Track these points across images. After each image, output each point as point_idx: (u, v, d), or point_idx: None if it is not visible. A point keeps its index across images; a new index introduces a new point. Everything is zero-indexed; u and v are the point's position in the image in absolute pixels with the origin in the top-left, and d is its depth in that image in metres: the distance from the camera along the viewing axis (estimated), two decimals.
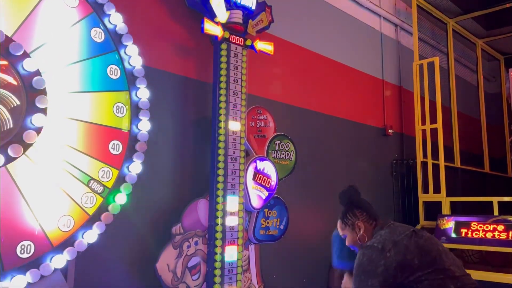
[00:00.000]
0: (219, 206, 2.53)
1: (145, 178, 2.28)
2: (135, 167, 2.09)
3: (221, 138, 2.59)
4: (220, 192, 2.55)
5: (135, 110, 2.16)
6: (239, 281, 2.56)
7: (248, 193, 2.73)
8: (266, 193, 2.83)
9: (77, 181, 1.94)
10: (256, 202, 2.77)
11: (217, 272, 2.47)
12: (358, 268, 1.69)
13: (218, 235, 2.51)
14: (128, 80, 2.17)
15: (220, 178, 2.56)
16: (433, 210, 3.87)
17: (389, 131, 4.21)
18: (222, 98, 2.62)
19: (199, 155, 2.69)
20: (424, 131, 4.11)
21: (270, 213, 2.89)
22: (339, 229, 1.96)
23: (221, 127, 2.60)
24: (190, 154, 2.66)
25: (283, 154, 3.02)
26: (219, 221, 2.52)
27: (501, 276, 3.08)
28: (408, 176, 4.22)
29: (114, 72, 2.13)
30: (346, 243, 1.93)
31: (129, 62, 2.16)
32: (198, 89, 2.74)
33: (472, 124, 5.34)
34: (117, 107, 2.11)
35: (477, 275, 3.06)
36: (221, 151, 2.58)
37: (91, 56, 2.06)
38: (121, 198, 2.03)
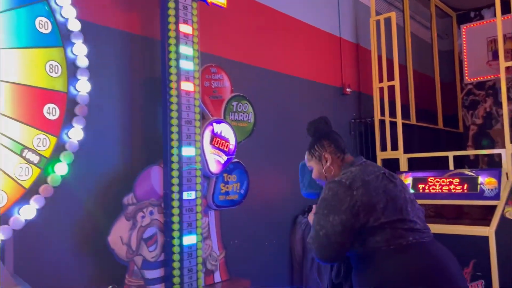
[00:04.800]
0: (174, 173, 2.37)
1: (90, 145, 2.07)
2: (76, 134, 1.87)
3: (173, 100, 2.39)
4: (174, 158, 2.37)
5: (72, 69, 1.91)
6: (200, 249, 2.44)
7: (205, 158, 2.58)
8: (225, 158, 2.69)
9: (7, 150, 1.70)
10: (214, 167, 2.63)
11: (175, 241, 2.33)
12: (322, 202, 1.63)
13: (175, 204, 2.35)
14: (62, 35, 1.90)
15: (174, 143, 2.38)
16: (391, 167, 3.90)
17: (347, 90, 4.14)
18: (172, 56, 2.40)
19: (150, 119, 2.49)
20: (381, 89, 4.09)
21: (229, 177, 2.76)
22: (306, 160, 1.91)
23: (172, 88, 2.39)
24: (140, 118, 2.45)
25: (241, 116, 2.87)
26: (174, 188, 2.36)
27: (455, 228, 3.15)
28: (366, 134, 4.21)
29: (44, 25, 1.85)
30: (313, 176, 1.87)
31: (61, 14, 1.89)
32: (145, 47, 2.50)
33: (426, 81, 5.40)
34: (51, 66, 1.85)
35: (433, 228, 3.12)
36: (174, 114, 2.38)
37: (14, 6, 1.77)
38: (61, 168, 1.81)
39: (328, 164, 1.79)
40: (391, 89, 4.03)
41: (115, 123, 2.33)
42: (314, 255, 1.63)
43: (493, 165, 5.15)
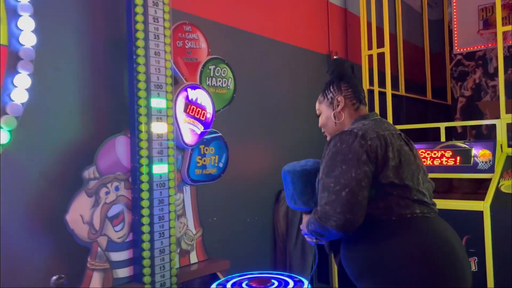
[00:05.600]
0: (143, 144, 2.10)
1: (41, 111, 1.78)
2: (19, 95, 1.58)
3: (140, 60, 2.10)
4: (143, 127, 2.10)
5: (13, 16, 1.60)
6: (173, 228, 2.21)
7: (179, 128, 2.31)
8: (201, 127, 2.43)
9: None
10: (189, 138, 2.37)
11: (145, 220, 2.09)
12: (335, 157, 1.39)
13: (144, 178, 2.10)
14: None
15: (142, 110, 2.10)
16: None
17: (334, 57, 3.88)
18: (139, 10, 2.09)
19: (116, 83, 2.19)
20: (370, 57, 3.84)
21: (206, 150, 2.51)
22: (317, 103, 1.68)
23: (139, 47, 2.09)
24: (105, 82, 2.15)
25: (219, 81, 2.59)
26: (143, 161, 2.10)
27: (447, 203, 2.99)
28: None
29: None
30: (319, 124, 1.67)
31: None
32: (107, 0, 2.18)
33: (415, 52, 5.17)
34: None
35: None
36: (141, 77, 2.09)
37: None
38: (1, 136, 1.52)
39: (339, 108, 1.58)
40: (380, 58, 3.79)
41: (74, 86, 2.03)
42: (334, 227, 1.33)
43: (481, 138, 5.02)
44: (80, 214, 1.93)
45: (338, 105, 1.59)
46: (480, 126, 5.26)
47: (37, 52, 1.70)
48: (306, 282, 1.81)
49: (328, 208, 1.34)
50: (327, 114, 1.63)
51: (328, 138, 1.63)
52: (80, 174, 1.95)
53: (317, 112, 1.70)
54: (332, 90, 1.61)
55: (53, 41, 1.88)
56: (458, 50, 5.52)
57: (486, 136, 5.20)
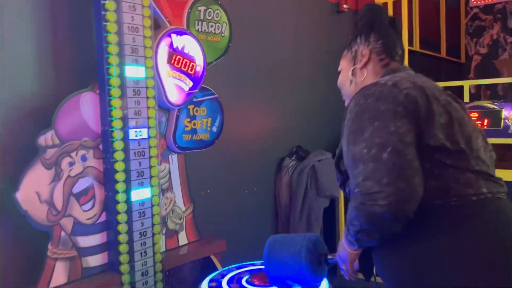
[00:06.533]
0: (116, 102, 1.66)
1: None
2: None
3: None
4: (115, 81, 1.66)
5: None
6: (156, 205, 1.81)
7: (161, 83, 1.87)
8: (190, 83, 1.99)
9: None
10: (175, 96, 1.94)
11: (121, 197, 1.68)
12: (361, 117, 1.00)
13: (118, 145, 1.68)
14: None
15: (114, 59, 1.65)
16: None
17: (344, 6, 3.39)
18: None
19: (81, 27, 1.72)
20: (385, 5, 3.36)
21: (197, 111, 2.08)
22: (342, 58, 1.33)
23: None
24: (66, 25, 1.68)
25: (211, 26, 2.13)
26: (117, 124, 1.67)
27: None
28: None
29: None
30: (338, 82, 1.31)
31: None
32: None
33: (431, 6, 4.66)
34: None
35: None
36: (111, 16, 1.63)
37: None
38: None
39: (362, 63, 1.22)
40: (395, 7, 3.32)
41: (28, 31, 1.57)
42: (385, 208, 0.90)
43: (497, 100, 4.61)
44: (35, 191, 1.52)
45: (361, 60, 1.23)
46: (496, 86, 4.84)
47: None
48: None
49: (370, 183, 0.92)
50: (349, 67, 1.26)
51: (346, 103, 1.24)
52: (34, 141, 1.52)
53: (339, 68, 1.33)
54: (358, 41, 1.26)
55: None
56: (474, 2, 5.01)
57: (503, 97, 4.79)
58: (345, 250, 1.13)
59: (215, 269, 1.96)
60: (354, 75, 1.23)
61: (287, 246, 1.27)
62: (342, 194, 2.94)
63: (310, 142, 2.95)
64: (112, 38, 1.64)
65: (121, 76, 1.68)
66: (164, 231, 1.96)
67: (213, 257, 2.04)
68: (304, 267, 1.24)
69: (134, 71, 1.71)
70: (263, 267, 1.48)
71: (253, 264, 1.52)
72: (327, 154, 2.87)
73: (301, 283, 1.28)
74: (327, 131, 3.10)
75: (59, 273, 1.58)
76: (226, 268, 1.48)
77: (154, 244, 1.81)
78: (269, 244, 1.29)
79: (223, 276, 1.39)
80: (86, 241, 1.67)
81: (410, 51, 3.75)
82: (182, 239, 2.05)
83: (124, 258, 1.69)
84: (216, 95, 2.16)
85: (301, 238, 1.28)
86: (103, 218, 1.72)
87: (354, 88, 1.22)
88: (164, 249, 1.95)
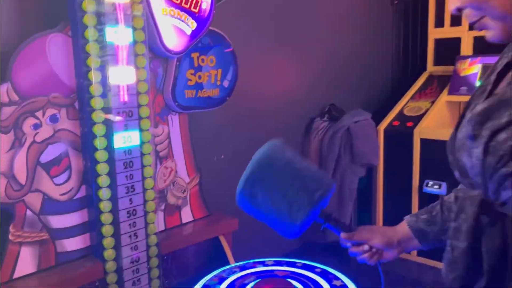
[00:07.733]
0: (93, 47, 1.28)
1: None
2: None
3: None
4: (90, 20, 1.27)
5: None
6: (149, 178, 1.47)
7: (155, 23, 1.47)
8: (194, 24, 1.58)
9: None
10: (174, 41, 1.53)
11: (102, 167, 1.34)
12: None
13: (97, 103, 1.31)
14: None
15: None
16: (448, 51, 2.74)
17: None
18: None
19: None
20: None
21: (203, 60, 1.68)
22: None
23: None
24: None
25: None
26: (94, 76, 1.30)
27: None
28: (415, 5, 2.99)
29: None
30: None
31: None
32: None
33: None
34: None
35: None
36: None
37: None
38: None
39: None
40: None
41: None
42: None
43: None
44: None
45: None
46: None
47: None
48: (349, 283, 1.06)
49: None
50: None
51: (490, 36, 0.71)
52: None
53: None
54: None
55: None
56: None
57: None
58: None
59: (223, 253, 1.63)
60: None
61: (287, 190, 0.88)
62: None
63: (345, 99, 2.51)
64: None
65: (99, 14, 1.28)
66: (163, 207, 1.63)
67: (222, 238, 1.71)
68: (294, 227, 0.89)
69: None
70: (274, 268, 1.13)
71: (263, 263, 1.17)
72: (365, 114, 2.43)
73: (278, 230, 0.93)
74: (365, 87, 2.64)
75: (26, 261, 1.29)
76: (227, 268, 1.14)
77: (147, 224, 1.48)
78: (264, 165, 0.90)
79: (221, 280, 1.05)
80: (60, 221, 1.35)
81: None
82: (186, 215, 1.72)
83: (108, 242, 1.38)
84: (229, 41, 1.74)
85: (312, 187, 0.88)
86: (82, 193, 1.39)
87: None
88: (164, 228, 1.63)
